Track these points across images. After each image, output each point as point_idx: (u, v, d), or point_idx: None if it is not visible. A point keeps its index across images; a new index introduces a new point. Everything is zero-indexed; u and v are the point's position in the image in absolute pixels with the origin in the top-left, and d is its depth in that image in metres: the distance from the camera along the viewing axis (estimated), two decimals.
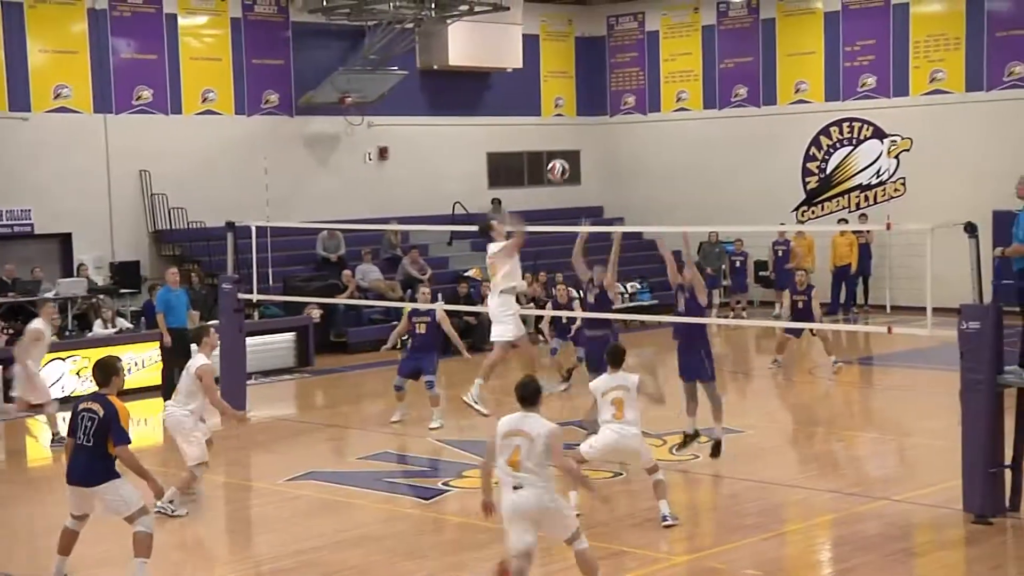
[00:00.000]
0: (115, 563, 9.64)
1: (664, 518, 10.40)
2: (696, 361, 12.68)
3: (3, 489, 13.14)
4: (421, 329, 15.21)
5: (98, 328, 19.20)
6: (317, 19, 24.51)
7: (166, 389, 16.59)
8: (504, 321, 11.83)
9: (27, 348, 14.91)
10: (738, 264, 25.59)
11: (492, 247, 11.80)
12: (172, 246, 22.65)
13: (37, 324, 15.08)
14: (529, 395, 8.22)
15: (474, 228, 24.39)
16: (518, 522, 8.07)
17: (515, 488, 8.04)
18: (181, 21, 23.11)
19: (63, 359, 17.59)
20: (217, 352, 16.42)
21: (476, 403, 11.94)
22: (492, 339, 12.09)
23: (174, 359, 16.58)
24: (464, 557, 9.96)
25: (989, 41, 24.17)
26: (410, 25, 24.26)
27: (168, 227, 22.59)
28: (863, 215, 25.34)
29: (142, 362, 18.06)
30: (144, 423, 16.17)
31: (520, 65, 27.09)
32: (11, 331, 18.41)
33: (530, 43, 27.73)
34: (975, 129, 24.31)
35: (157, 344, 16.98)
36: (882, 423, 15.45)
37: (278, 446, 14.56)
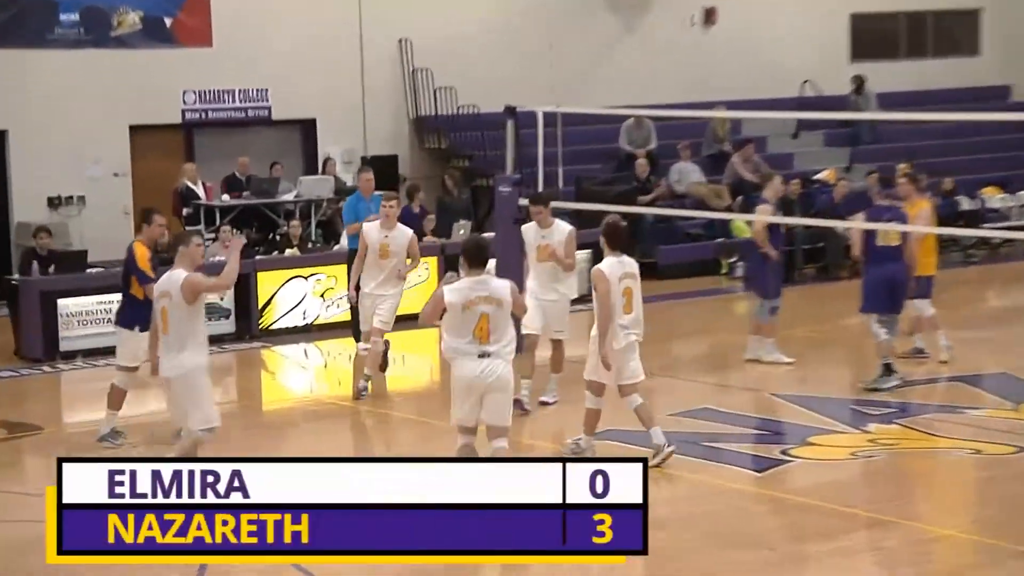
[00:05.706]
0: None
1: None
2: None
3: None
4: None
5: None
6: None
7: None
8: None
9: None
10: None
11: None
12: (437, 136, 23.18)
13: None
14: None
15: (829, 116, 24.23)
16: (473, 394, 9.80)
17: (480, 356, 9.71)
18: None
19: (304, 278, 18.24)
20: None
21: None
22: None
23: None
24: (809, 547, 9.92)
25: None
26: None
27: (432, 113, 23.10)
28: None
29: None
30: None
31: None
32: (246, 241, 19.20)
33: None
34: None
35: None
36: None
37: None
